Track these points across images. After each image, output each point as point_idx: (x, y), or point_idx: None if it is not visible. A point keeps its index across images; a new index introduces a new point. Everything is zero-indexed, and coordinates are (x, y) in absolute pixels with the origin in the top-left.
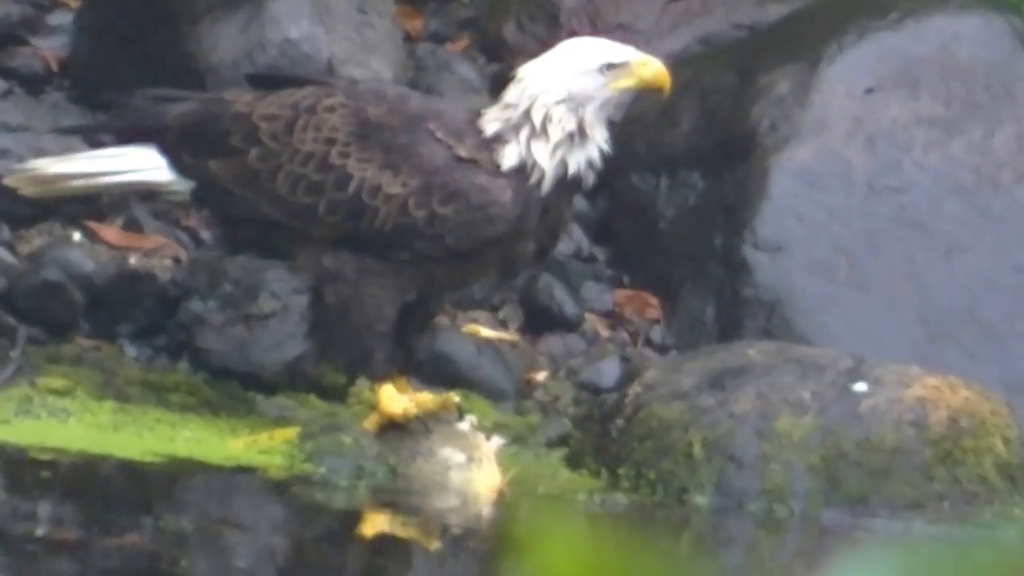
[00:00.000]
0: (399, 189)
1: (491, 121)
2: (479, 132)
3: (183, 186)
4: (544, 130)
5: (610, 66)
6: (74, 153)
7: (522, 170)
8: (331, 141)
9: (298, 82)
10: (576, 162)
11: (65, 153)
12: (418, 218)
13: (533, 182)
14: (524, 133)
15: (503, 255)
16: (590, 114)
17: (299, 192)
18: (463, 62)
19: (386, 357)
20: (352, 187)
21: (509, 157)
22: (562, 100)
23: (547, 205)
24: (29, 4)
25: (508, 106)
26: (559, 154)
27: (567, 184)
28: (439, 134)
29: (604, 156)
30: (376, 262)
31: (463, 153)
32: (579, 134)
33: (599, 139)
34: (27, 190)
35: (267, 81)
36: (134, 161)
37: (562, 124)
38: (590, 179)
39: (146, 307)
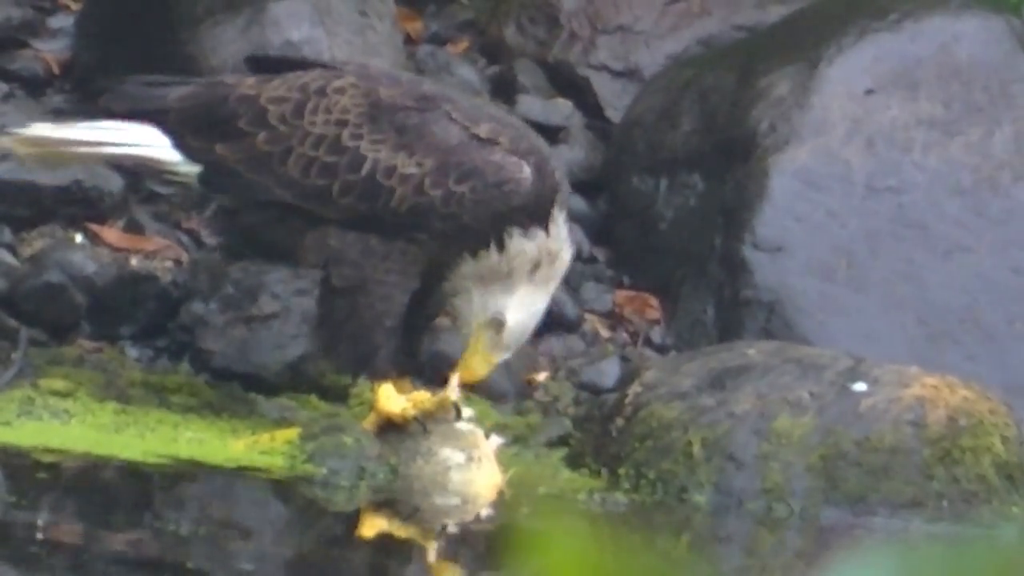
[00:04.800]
0: (415, 169)
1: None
2: (495, 120)
3: (189, 168)
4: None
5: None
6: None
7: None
8: (342, 123)
9: (300, 65)
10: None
11: None
12: (434, 197)
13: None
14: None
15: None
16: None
17: (312, 174)
18: (463, 64)
19: (390, 356)
20: (366, 168)
21: None
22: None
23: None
24: (30, 7)
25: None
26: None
27: None
28: (455, 115)
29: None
30: (385, 244)
31: (481, 133)
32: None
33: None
34: (22, 150)
35: (266, 64)
36: (141, 136)
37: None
38: None
39: (147, 309)
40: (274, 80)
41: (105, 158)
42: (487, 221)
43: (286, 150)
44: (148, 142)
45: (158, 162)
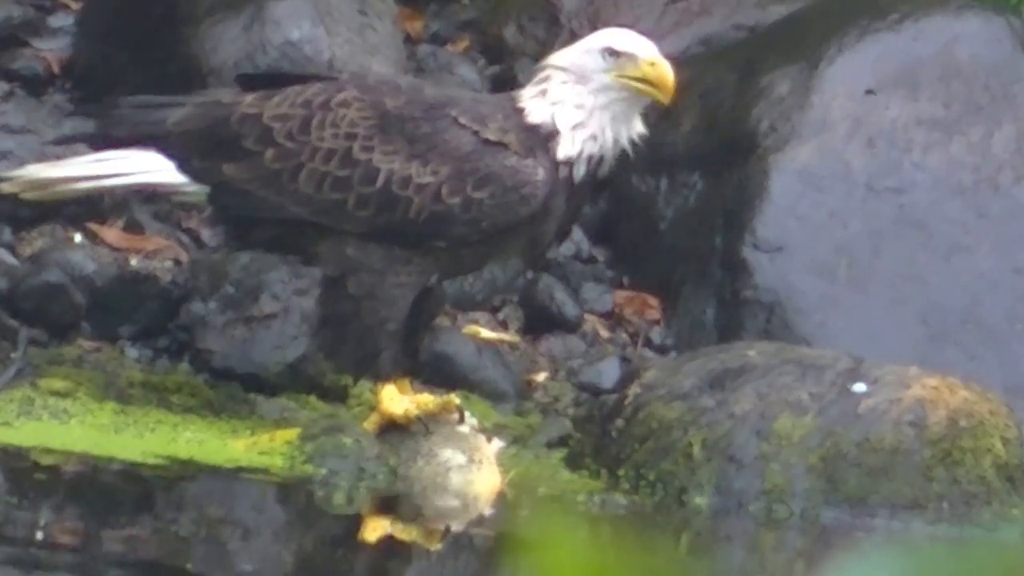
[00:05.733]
0: (430, 178)
1: (527, 99)
2: (504, 116)
3: (196, 188)
4: (549, 94)
5: (613, 52)
6: (76, 157)
7: (553, 145)
8: (352, 136)
9: (292, 78)
10: (594, 142)
11: (67, 155)
12: (453, 205)
13: (563, 157)
14: (544, 103)
15: (529, 234)
16: (588, 94)
17: (325, 189)
18: (464, 63)
19: (393, 357)
20: (381, 180)
21: (538, 115)
22: (562, 69)
23: (573, 187)
24: (31, 6)
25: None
26: (575, 127)
27: (591, 167)
28: (462, 119)
29: (622, 151)
30: (402, 250)
31: (490, 136)
32: (582, 111)
33: (618, 130)
34: (29, 195)
35: (257, 81)
36: (143, 164)
37: (562, 92)
38: (607, 168)
39: (147, 308)
40: (274, 97)
41: (110, 190)
42: (506, 224)
43: (296, 166)
44: (152, 168)
45: (165, 186)
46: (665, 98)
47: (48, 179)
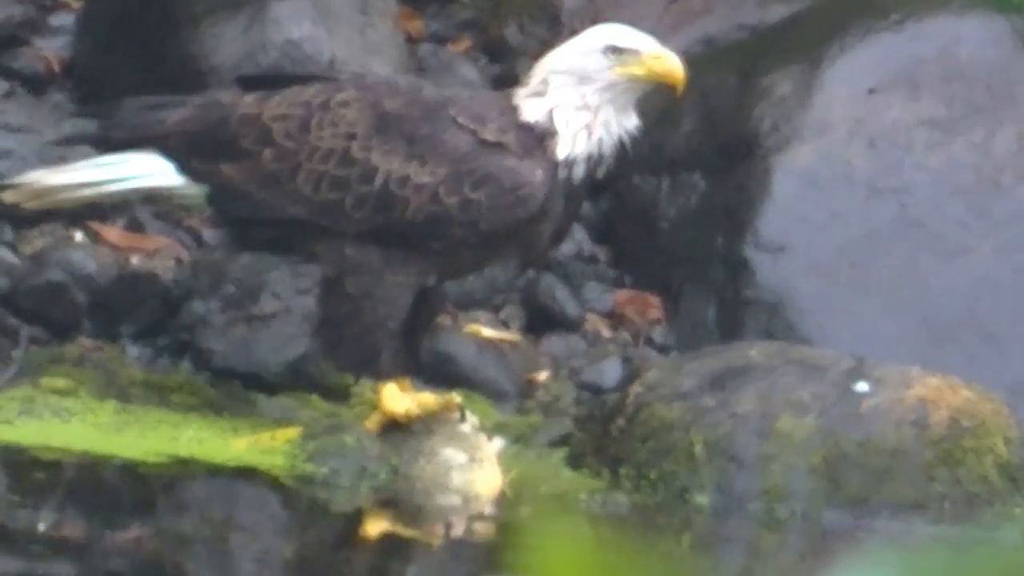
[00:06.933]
0: (428, 178)
1: (523, 98)
2: (500, 114)
3: (196, 190)
4: (548, 97)
5: (615, 49)
6: (75, 162)
7: (550, 145)
8: (351, 136)
9: (292, 79)
10: (592, 142)
11: (67, 156)
12: (450, 205)
13: (562, 159)
14: (542, 103)
15: (527, 236)
16: (593, 94)
17: (323, 189)
18: (465, 63)
19: (392, 357)
20: (379, 180)
21: (534, 113)
22: (563, 72)
23: (572, 188)
24: (31, 5)
25: (529, 81)
26: (575, 128)
27: (590, 167)
28: (461, 120)
29: (622, 146)
30: (400, 251)
31: (488, 137)
32: (586, 112)
33: (614, 125)
34: (29, 204)
35: (258, 82)
36: (142, 167)
37: (564, 95)
38: (604, 167)
39: (148, 308)
40: (273, 98)
41: (110, 196)
42: (503, 226)
43: (294, 167)
44: (151, 171)
45: (165, 189)
46: (678, 89)
47: (48, 187)
